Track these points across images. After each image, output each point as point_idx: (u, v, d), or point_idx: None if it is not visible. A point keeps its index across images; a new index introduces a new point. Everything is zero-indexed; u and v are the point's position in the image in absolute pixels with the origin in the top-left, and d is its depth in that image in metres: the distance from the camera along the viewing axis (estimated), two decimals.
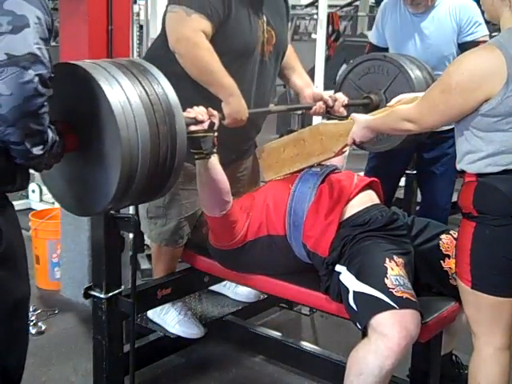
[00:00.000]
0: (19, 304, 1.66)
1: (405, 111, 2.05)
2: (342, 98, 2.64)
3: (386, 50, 3.36)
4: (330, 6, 5.95)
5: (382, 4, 3.43)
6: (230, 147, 2.39)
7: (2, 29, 1.39)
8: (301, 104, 2.73)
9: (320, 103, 2.62)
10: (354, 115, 2.31)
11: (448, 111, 1.92)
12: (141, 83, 1.74)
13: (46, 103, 1.44)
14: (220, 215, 2.25)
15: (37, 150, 1.48)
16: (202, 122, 2.02)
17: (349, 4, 9.56)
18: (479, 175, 1.92)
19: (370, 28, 8.10)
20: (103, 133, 1.70)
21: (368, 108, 2.77)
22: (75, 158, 1.76)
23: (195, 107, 2.04)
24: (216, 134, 2.08)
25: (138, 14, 4.66)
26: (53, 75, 1.47)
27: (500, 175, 1.89)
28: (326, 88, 4.49)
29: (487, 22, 2.99)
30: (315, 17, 5.54)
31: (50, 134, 1.52)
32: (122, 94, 1.68)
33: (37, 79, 1.40)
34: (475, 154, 1.92)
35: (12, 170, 1.56)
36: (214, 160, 2.13)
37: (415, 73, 2.76)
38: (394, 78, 2.77)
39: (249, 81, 2.48)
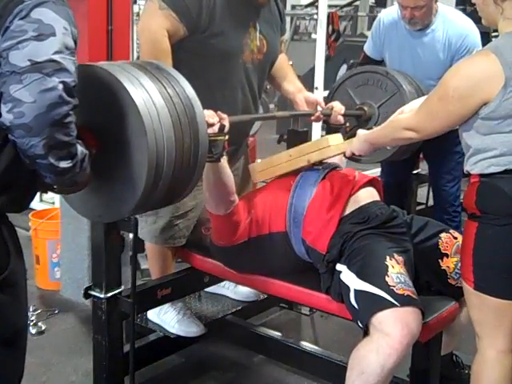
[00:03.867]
0: (18, 332, 1.62)
1: (404, 120, 2.07)
2: (338, 106, 2.65)
3: (380, 62, 3.43)
4: (330, 6, 5.94)
5: (378, 19, 3.47)
6: None
7: (27, 35, 1.36)
8: (302, 110, 2.73)
9: (319, 112, 2.64)
10: (359, 131, 2.31)
11: (447, 117, 1.94)
12: (158, 79, 1.75)
13: (71, 113, 1.39)
14: (225, 214, 2.27)
15: (64, 164, 1.41)
16: (212, 125, 2.01)
17: (349, 4, 9.55)
18: (482, 175, 1.93)
19: (369, 28, 8.10)
20: (126, 132, 1.68)
21: (360, 119, 2.78)
22: (94, 164, 1.70)
23: (205, 110, 2.04)
24: (227, 137, 2.07)
25: (138, 14, 4.66)
26: (77, 82, 1.43)
27: (502, 175, 1.89)
28: (326, 88, 4.50)
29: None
30: (315, 17, 5.52)
31: (79, 148, 1.46)
32: (143, 89, 1.69)
33: (61, 86, 1.36)
34: (478, 156, 1.93)
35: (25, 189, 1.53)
36: (224, 163, 2.13)
37: (412, 95, 2.79)
38: (391, 96, 2.78)
39: (235, 86, 2.51)
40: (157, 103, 1.70)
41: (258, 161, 3.38)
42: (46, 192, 1.74)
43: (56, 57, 1.37)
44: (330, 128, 2.69)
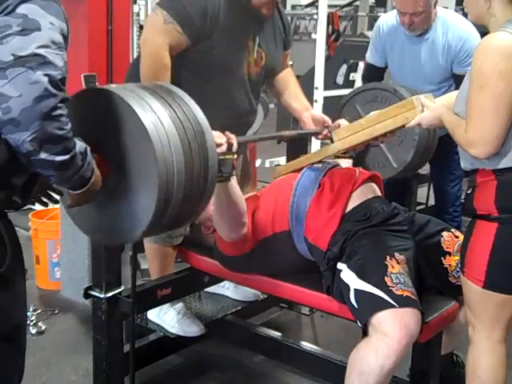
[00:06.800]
0: (17, 329, 1.61)
1: (464, 136, 1.85)
2: (345, 124, 2.60)
3: (384, 69, 3.44)
4: (330, 6, 5.95)
5: (377, 25, 3.46)
6: None
7: (11, 30, 1.35)
8: (309, 129, 2.70)
9: (326, 131, 2.59)
10: (424, 100, 2.08)
11: (499, 105, 1.77)
12: (169, 103, 1.71)
13: (60, 105, 1.38)
14: (237, 238, 2.26)
15: (61, 158, 1.39)
16: (220, 145, 1.99)
17: (349, 4, 9.56)
18: (498, 172, 1.87)
19: (370, 28, 8.10)
20: (136, 157, 1.65)
21: None
22: (104, 186, 1.68)
23: (212, 131, 2.02)
24: (235, 156, 2.07)
25: (138, 14, 4.67)
26: (65, 77, 1.41)
27: None
28: (326, 88, 4.50)
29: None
30: (315, 17, 5.54)
31: (78, 142, 1.45)
32: (153, 114, 1.65)
33: (46, 79, 1.34)
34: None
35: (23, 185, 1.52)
36: (234, 182, 2.13)
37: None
38: None
39: (232, 97, 2.52)
40: (167, 129, 1.66)
41: (258, 161, 3.38)
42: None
43: (40, 51, 1.36)
44: None
